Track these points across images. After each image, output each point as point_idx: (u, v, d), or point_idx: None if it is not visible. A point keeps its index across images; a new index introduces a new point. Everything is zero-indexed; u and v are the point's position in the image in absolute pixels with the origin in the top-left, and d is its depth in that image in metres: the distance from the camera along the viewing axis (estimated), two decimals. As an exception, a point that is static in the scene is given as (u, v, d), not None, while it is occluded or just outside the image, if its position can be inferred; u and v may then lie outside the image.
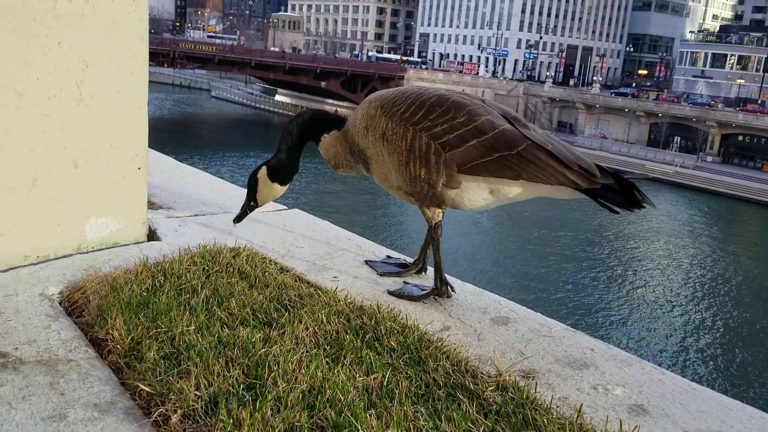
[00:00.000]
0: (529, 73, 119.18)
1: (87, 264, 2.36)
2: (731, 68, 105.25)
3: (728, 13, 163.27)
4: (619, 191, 2.12)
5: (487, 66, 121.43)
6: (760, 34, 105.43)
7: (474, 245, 42.91)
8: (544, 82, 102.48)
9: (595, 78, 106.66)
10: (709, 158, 77.75)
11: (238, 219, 2.68)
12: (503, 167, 2.03)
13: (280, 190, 2.53)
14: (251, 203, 2.58)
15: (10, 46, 2.09)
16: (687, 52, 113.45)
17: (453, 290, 2.39)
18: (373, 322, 2.01)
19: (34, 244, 2.31)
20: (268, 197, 2.58)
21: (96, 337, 1.87)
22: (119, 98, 2.46)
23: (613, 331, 31.05)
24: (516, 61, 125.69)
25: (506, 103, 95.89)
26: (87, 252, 2.48)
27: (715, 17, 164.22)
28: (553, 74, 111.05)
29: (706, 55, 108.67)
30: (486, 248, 42.83)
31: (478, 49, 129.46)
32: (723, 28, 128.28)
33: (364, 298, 2.27)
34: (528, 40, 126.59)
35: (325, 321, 2.00)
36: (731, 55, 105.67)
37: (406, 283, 2.50)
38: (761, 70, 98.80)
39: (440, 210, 2.23)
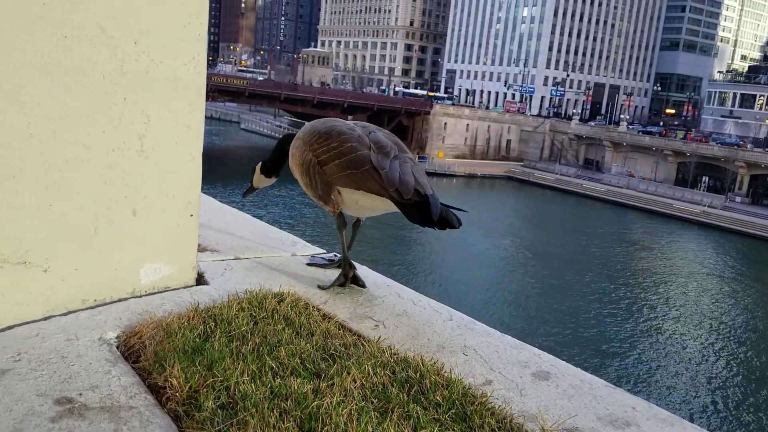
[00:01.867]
0: (555, 110, 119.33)
1: (141, 308, 2.45)
2: (760, 108, 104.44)
3: (757, 54, 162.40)
4: (423, 211, 2.65)
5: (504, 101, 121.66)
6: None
7: (495, 283, 42.64)
8: (570, 119, 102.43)
9: (622, 116, 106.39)
10: (738, 199, 76.74)
11: (245, 194, 3.56)
12: (352, 180, 2.77)
13: (267, 180, 3.43)
14: (251, 185, 3.50)
15: (80, 102, 2.22)
16: (715, 91, 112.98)
17: (362, 284, 3.12)
18: (417, 375, 2.07)
19: (93, 289, 2.42)
20: (260, 184, 3.47)
21: (154, 383, 1.95)
22: (177, 150, 2.58)
23: (645, 380, 30.37)
24: (542, 98, 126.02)
25: (532, 140, 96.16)
26: (141, 296, 2.58)
27: (743, 57, 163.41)
28: (579, 111, 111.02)
29: (734, 95, 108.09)
30: (512, 287, 42.45)
31: (505, 85, 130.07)
32: (752, 69, 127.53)
33: (407, 349, 2.33)
34: (555, 78, 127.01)
35: (371, 373, 2.06)
36: (760, 96, 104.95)
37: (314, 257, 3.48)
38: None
39: (336, 205, 2.93)
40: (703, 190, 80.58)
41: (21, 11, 2.02)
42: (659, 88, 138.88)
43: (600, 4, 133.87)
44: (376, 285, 3.10)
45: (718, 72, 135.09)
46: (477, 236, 53.08)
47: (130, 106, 2.38)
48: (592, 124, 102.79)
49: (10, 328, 2.17)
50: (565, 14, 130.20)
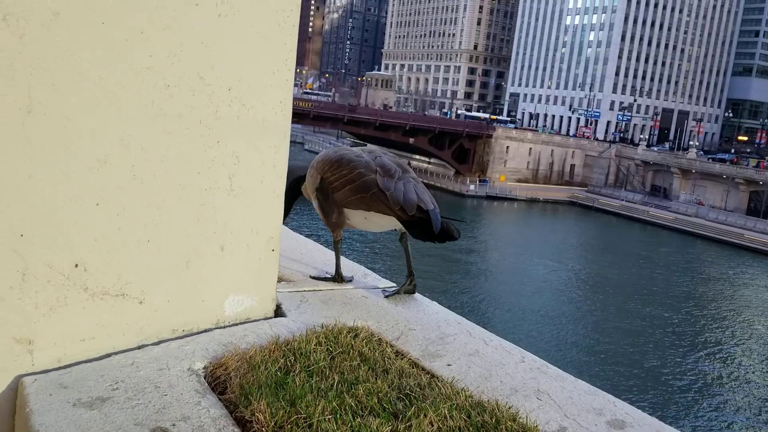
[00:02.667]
0: (621, 135, 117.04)
1: (226, 339, 2.57)
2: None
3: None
4: (425, 226, 2.99)
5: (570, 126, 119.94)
6: None
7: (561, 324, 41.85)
8: (637, 145, 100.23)
9: (691, 142, 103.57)
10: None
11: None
12: (362, 202, 3.09)
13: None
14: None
15: (179, 145, 2.37)
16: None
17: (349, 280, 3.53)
18: (493, 420, 2.10)
19: (181, 319, 2.55)
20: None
21: (241, 417, 2.05)
22: (262, 188, 2.71)
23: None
24: (608, 122, 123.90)
25: (597, 165, 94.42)
26: (225, 327, 2.70)
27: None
28: (647, 137, 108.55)
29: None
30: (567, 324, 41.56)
31: (569, 109, 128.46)
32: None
33: (481, 392, 2.37)
34: (621, 102, 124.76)
35: (447, 416, 2.10)
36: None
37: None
38: None
39: (340, 231, 3.34)
40: (778, 221, 77.48)
41: (131, 64, 2.19)
42: (731, 114, 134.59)
43: (669, 29, 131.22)
44: (447, 322, 3.15)
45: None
46: (539, 262, 52.30)
47: (222, 148, 2.52)
48: (656, 149, 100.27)
49: (107, 356, 2.32)
50: (633, 39, 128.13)
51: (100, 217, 2.22)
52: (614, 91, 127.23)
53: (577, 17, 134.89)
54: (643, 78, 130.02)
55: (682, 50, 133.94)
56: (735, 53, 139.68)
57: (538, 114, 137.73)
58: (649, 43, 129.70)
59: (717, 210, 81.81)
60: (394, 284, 3.72)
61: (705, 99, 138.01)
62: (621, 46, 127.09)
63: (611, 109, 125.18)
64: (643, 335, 38.68)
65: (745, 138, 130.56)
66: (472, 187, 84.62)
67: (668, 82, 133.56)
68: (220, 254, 2.63)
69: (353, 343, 2.67)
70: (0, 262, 2.00)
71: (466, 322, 3.16)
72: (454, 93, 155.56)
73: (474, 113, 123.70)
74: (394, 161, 3.24)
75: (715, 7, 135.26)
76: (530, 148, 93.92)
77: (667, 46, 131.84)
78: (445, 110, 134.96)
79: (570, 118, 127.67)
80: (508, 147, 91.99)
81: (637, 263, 58.64)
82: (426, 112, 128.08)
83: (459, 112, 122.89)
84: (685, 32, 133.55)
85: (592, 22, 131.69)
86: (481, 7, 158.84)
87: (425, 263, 40.97)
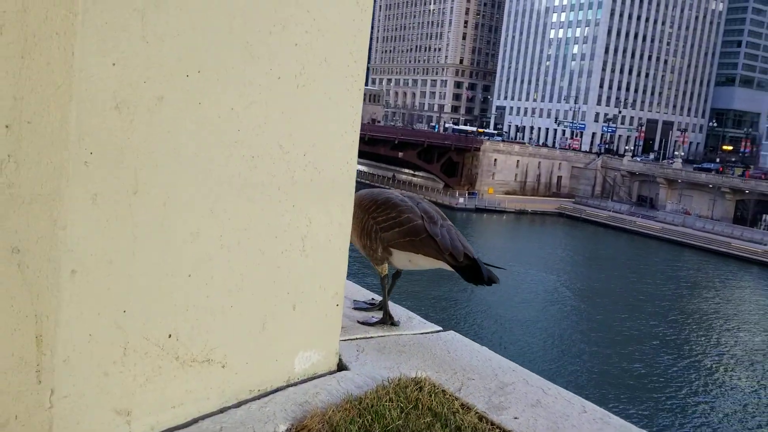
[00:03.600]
0: (607, 146, 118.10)
1: (301, 398, 2.63)
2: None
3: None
4: (474, 271, 3.21)
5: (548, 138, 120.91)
6: None
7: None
8: (623, 156, 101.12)
9: (676, 152, 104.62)
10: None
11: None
12: (411, 245, 3.30)
13: None
14: None
15: (260, 212, 2.45)
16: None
17: (396, 322, 3.64)
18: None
19: (257, 380, 2.62)
20: None
21: (338, 481, 2.13)
22: (330, 246, 2.79)
23: None
24: (593, 134, 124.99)
25: (584, 177, 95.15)
26: (296, 384, 2.76)
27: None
28: (632, 148, 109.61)
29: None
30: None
31: (555, 122, 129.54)
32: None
33: (555, 446, 2.45)
34: (606, 114, 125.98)
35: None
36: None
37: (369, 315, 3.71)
38: None
39: (385, 266, 3.47)
40: (764, 229, 78.25)
41: (221, 140, 2.27)
42: (715, 124, 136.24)
43: (652, 41, 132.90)
44: (503, 370, 3.23)
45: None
46: (528, 273, 52.45)
47: (297, 211, 2.60)
48: (640, 159, 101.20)
49: (195, 421, 2.38)
50: (616, 51, 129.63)
51: (191, 288, 2.29)
52: (599, 103, 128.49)
53: (561, 31, 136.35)
54: (627, 89, 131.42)
55: (666, 61, 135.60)
56: (718, 63, 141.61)
57: (524, 126, 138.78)
58: (633, 55, 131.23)
59: (704, 219, 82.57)
60: (440, 327, 3.80)
61: (689, 109, 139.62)
62: (605, 59, 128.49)
63: (596, 120, 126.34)
64: (630, 344, 38.98)
65: (730, 147, 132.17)
66: (461, 200, 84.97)
67: (652, 93, 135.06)
68: (292, 313, 2.70)
69: (420, 397, 2.75)
70: (105, 338, 2.06)
71: (521, 369, 3.24)
72: (441, 107, 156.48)
73: (461, 126, 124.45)
74: (432, 208, 3.48)
75: (697, 18, 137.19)
76: (518, 161, 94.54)
77: (650, 57, 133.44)
78: (432, 124, 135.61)
79: (556, 130, 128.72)
80: (495, 160, 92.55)
81: (625, 273, 59.05)
82: (414, 126, 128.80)
83: (447, 125, 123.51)
84: (668, 43, 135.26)
85: (575, 35, 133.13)
86: (466, 22, 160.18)
87: (412, 277, 41.03)
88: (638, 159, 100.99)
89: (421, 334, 3.65)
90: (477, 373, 3.14)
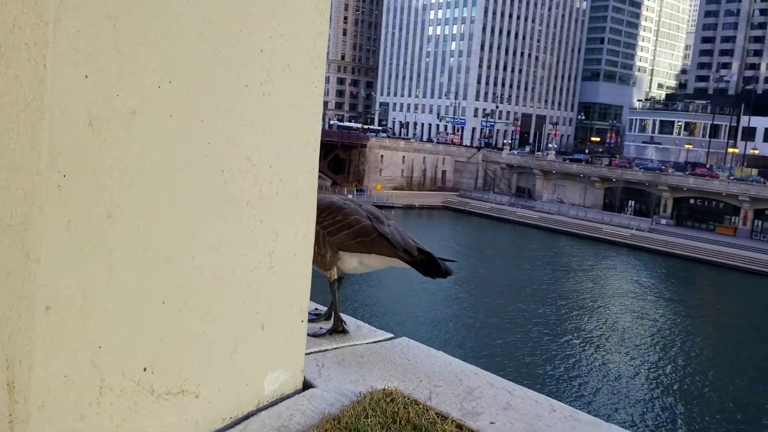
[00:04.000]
0: (486, 140, 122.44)
1: (275, 422, 2.50)
2: (679, 134, 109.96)
3: (672, 82, 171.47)
4: (430, 264, 3.28)
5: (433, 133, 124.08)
6: (703, 102, 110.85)
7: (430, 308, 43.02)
8: (502, 149, 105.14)
9: (550, 145, 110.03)
10: (664, 221, 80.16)
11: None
12: (363, 246, 3.31)
13: None
14: None
15: (231, 230, 2.30)
16: (636, 119, 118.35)
17: (347, 327, 3.58)
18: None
19: (229, 406, 2.46)
20: None
21: None
22: (295, 260, 2.67)
23: (575, 393, 31.23)
24: (474, 129, 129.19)
25: (467, 170, 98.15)
26: (266, 407, 2.62)
27: (660, 86, 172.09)
28: (510, 141, 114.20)
29: (654, 122, 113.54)
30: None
31: (437, 117, 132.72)
32: (669, 97, 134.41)
33: (539, 449, 2.47)
34: (484, 109, 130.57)
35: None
36: (678, 122, 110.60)
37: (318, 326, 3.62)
38: (707, 136, 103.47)
39: (334, 271, 3.45)
40: (630, 214, 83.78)
41: (193, 154, 2.11)
42: (583, 117, 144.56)
43: (524, 38, 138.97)
44: (465, 374, 3.23)
45: (638, 100, 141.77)
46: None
47: (265, 226, 2.47)
48: (515, 152, 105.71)
49: (170, 457, 2.21)
50: (491, 48, 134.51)
51: (165, 315, 2.12)
52: (477, 98, 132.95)
53: (439, 27, 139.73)
54: (503, 85, 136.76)
55: (537, 58, 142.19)
56: (584, 59, 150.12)
57: (408, 122, 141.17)
58: (507, 52, 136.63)
59: (577, 207, 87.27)
60: (391, 334, 3.75)
61: (559, 103, 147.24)
62: (481, 56, 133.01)
63: (476, 116, 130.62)
64: (515, 326, 40.82)
65: (597, 139, 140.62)
66: (350, 197, 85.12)
67: (526, 88, 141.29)
68: (261, 333, 2.56)
69: (397, 410, 2.69)
70: (81, 378, 1.86)
71: (482, 372, 3.25)
72: (325, 104, 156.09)
73: (347, 123, 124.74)
74: (375, 210, 3.51)
75: (564, 16, 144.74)
76: (403, 156, 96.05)
77: (522, 54, 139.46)
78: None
79: (438, 125, 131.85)
80: (382, 156, 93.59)
81: (507, 261, 61.61)
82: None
83: (332, 122, 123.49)
84: (539, 41, 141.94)
85: (453, 32, 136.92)
86: (345, 18, 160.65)
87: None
88: (515, 152, 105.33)
89: (375, 342, 3.59)
90: (442, 380, 3.12)
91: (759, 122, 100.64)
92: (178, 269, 2.12)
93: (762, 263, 63.69)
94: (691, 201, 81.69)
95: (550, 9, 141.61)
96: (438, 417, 2.76)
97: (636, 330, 43.52)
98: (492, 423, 2.74)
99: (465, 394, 2.99)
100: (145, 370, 2.08)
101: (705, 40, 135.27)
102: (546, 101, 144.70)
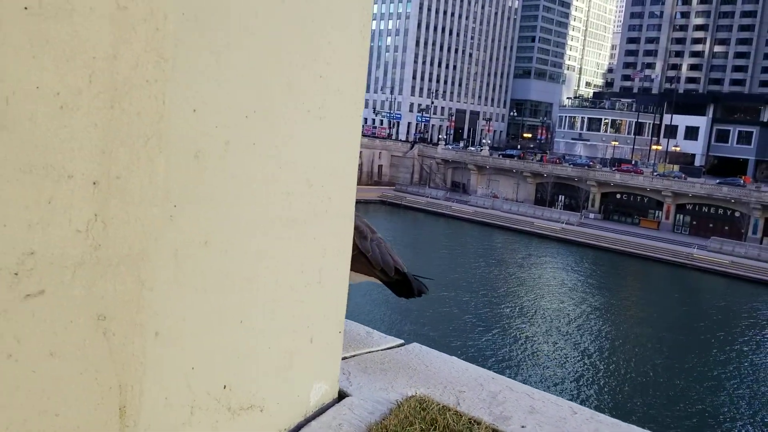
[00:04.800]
0: (422, 135, 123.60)
1: (326, 433, 2.61)
2: (606, 131, 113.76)
3: (599, 81, 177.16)
4: (405, 285, 3.30)
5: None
6: (629, 100, 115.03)
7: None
8: (437, 144, 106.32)
9: (483, 140, 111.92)
10: (592, 215, 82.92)
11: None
12: None
13: None
14: None
15: (293, 249, 2.38)
16: (565, 116, 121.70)
17: None
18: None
19: (285, 419, 2.55)
20: None
21: None
22: (338, 274, 2.78)
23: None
24: (409, 123, 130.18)
25: (403, 165, 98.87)
26: (312, 417, 2.72)
27: (588, 84, 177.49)
28: (445, 137, 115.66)
29: (582, 119, 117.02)
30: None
31: (374, 112, 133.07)
32: (596, 95, 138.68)
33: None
34: (420, 104, 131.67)
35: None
36: (605, 119, 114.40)
37: None
38: (632, 133, 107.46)
39: None
40: (561, 208, 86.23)
41: (267, 178, 2.19)
42: (515, 114, 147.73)
43: (458, 35, 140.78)
44: (484, 378, 3.38)
45: (567, 98, 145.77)
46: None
47: (316, 244, 2.56)
48: (450, 147, 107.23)
49: (239, 471, 2.28)
50: (426, 44, 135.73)
51: (242, 334, 2.19)
52: (413, 93, 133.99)
53: (374, 22, 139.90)
54: (438, 81, 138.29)
55: (470, 54, 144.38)
56: (515, 57, 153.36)
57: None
58: (441, 48, 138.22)
59: (510, 202, 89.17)
60: (401, 340, 3.88)
61: (492, 100, 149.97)
62: (416, 51, 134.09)
63: (411, 110, 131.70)
64: (450, 319, 41.71)
65: (529, 135, 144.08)
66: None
67: (460, 84, 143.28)
68: (310, 346, 2.65)
69: (436, 417, 2.83)
70: (178, 400, 1.93)
71: (500, 377, 3.42)
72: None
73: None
74: (361, 221, 3.41)
75: (496, 14, 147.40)
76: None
77: (457, 50, 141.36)
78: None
79: (374, 119, 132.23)
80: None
81: (442, 255, 62.60)
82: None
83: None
84: (472, 38, 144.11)
85: (388, 27, 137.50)
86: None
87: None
88: (450, 147, 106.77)
89: (389, 349, 3.71)
90: (464, 385, 3.27)
91: (680, 120, 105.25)
92: (253, 290, 2.20)
93: (682, 255, 66.70)
94: (618, 196, 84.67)
95: (483, 7, 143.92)
96: (471, 422, 2.91)
97: (563, 318, 45.17)
98: (523, 427, 2.91)
99: (490, 399, 3.15)
100: (224, 387, 2.15)
101: (630, 40, 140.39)
102: (479, 97, 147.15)
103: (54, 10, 1.49)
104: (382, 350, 3.68)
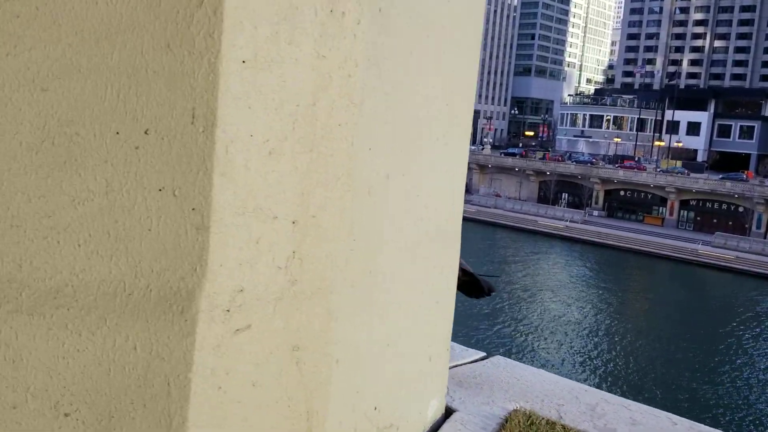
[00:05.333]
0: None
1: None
2: (608, 128, 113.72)
3: (600, 77, 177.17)
4: (474, 285, 3.35)
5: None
6: (630, 96, 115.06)
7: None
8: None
9: (485, 139, 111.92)
10: (596, 213, 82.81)
11: None
12: None
13: None
14: None
15: (422, 272, 2.47)
16: (567, 113, 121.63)
17: None
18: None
19: (411, 435, 2.64)
20: None
21: None
22: (448, 291, 2.86)
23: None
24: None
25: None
26: (434, 434, 2.81)
27: (589, 81, 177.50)
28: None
29: (584, 116, 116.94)
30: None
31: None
32: (597, 91, 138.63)
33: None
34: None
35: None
36: (607, 116, 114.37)
37: None
38: (634, 129, 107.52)
39: None
40: (564, 206, 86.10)
41: (412, 209, 2.27)
42: (516, 112, 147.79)
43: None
44: (576, 390, 3.47)
45: (568, 95, 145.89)
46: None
47: (437, 264, 2.65)
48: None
49: (382, 488, 2.36)
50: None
51: (391, 358, 2.28)
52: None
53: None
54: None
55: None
56: (516, 55, 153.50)
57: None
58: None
59: (513, 200, 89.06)
60: (483, 353, 3.96)
61: (493, 98, 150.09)
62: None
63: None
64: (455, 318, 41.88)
65: (531, 133, 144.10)
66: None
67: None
68: (429, 364, 2.74)
69: (548, 430, 2.91)
70: (346, 423, 2.01)
71: (591, 389, 3.51)
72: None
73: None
74: None
75: (495, 12, 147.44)
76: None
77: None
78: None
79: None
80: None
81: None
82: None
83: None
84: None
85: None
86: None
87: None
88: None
89: (475, 362, 3.80)
90: (560, 398, 3.35)
91: (682, 116, 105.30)
92: (399, 314, 2.28)
93: (687, 252, 66.68)
94: (622, 193, 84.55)
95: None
96: (580, 435, 2.99)
97: (568, 317, 45.26)
98: (629, 438, 2.99)
99: (589, 412, 3.24)
100: (375, 409, 2.23)
101: (630, 36, 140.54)
102: (480, 96, 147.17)
103: (266, 62, 1.57)
104: (468, 363, 3.76)
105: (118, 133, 1.50)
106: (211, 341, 1.60)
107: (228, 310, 1.62)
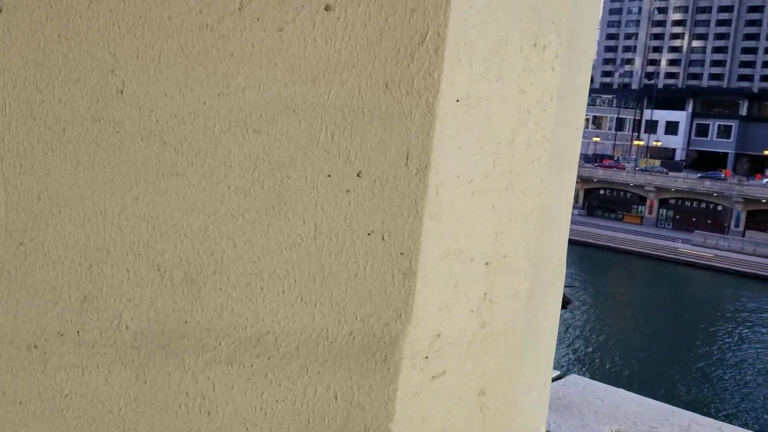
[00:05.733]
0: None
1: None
2: (587, 127, 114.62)
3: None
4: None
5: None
6: (609, 96, 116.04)
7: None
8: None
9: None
10: (576, 211, 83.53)
11: None
12: None
13: None
14: None
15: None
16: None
17: None
18: None
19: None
20: None
21: None
22: (556, 306, 2.80)
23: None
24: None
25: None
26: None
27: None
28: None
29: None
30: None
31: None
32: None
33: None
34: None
35: None
36: (586, 116, 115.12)
37: None
38: (613, 129, 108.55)
39: None
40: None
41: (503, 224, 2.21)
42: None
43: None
44: (663, 412, 3.44)
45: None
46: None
47: (543, 294, 2.59)
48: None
49: None
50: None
51: (543, 392, 2.22)
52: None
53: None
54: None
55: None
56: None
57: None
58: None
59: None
60: (559, 371, 3.91)
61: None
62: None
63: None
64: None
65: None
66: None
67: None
68: (543, 390, 2.68)
69: (648, 455, 2.88)
70: None
71: (678, 410, 3.47)
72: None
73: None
74: None
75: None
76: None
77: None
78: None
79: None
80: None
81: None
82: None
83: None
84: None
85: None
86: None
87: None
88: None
89: (554, 380, 3.75)
90: (650, 420, 3.32)
91: (661, 115, 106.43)
92: (544, 346, 2.23)
93: (666, 250, 67.54)
94: (601, 192, 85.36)
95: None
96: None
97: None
98: (722, 460, 2.97)
99: (650, 431, 3.21)
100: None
101: (609, 36, 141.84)
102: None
103: (476, 100, 1.50)
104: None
105: (329, 175, 1.42)
106: (411, 389, 1.54)
107: (427, 357, 1.55)
